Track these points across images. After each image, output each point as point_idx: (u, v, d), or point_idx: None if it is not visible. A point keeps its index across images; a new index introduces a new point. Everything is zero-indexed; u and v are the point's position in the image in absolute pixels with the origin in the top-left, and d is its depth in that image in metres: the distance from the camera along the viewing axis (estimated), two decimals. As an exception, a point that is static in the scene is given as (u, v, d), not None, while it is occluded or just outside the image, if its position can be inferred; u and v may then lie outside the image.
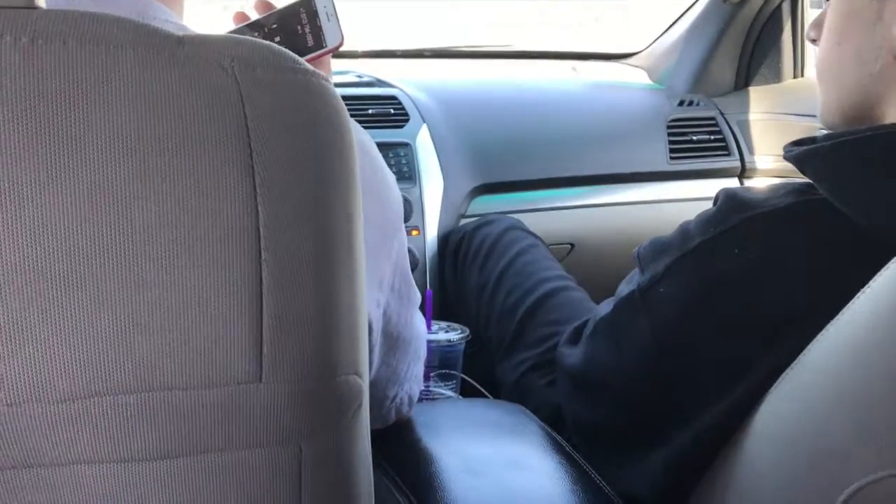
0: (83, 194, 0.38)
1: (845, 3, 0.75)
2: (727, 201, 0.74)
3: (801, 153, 0.72)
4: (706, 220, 0.75)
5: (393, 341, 0.72)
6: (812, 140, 0.73)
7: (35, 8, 0.40)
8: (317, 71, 0.44)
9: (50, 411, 0.39)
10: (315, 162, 0.42)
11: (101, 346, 0.39)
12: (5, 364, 0.38)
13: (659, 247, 0.79)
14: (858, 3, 0.73)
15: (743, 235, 0.72)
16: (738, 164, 1.63)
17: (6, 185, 0.37)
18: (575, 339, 0.91)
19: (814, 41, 0.81)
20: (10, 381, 0.38)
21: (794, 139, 0.76)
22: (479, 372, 1.16)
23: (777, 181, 0.89)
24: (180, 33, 0.41)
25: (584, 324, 0.90)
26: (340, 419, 0.46)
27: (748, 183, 1.63)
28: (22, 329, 0.38)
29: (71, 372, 0.39)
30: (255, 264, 0.40)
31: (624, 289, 0.83)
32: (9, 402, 0.38)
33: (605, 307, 0.86)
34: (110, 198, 0.38)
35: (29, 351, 0.38)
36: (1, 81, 0.37)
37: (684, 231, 0.77)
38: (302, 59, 0.44)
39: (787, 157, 0.74)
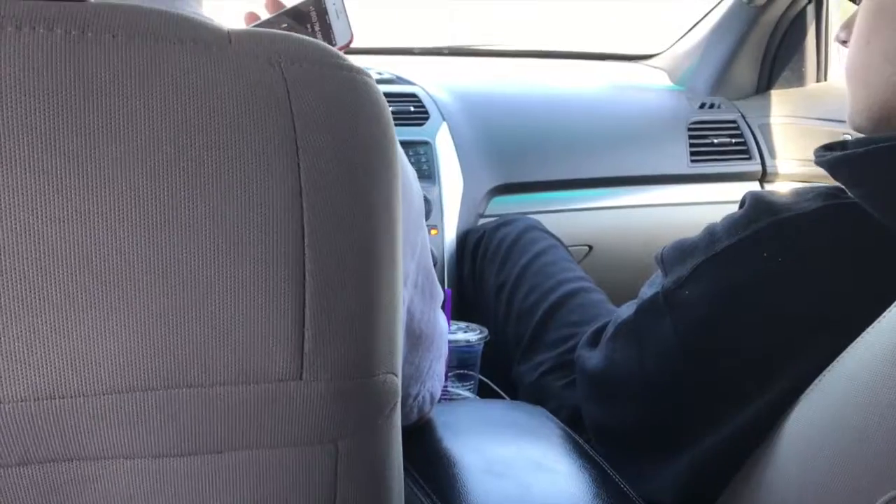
0: (128, 187, 0.38)
1: (875, 1, 0.75)
2: (755, 204, 0.73)
3: (833, 159, 0.71)
4: (734, 223, 0.74)
5: (416, 339, 0.72)
6: (842, 145, 0.73)
7: (83, 0, 0.40)
8: (360, 67, 0.44)
9: (92, 404, 0.39)
10: (360, 158, 0.42)
11: (143, 341, 0.39)
12: (48, 356, 0.38)
13: (684, 249, 0.78)
14: (889, 3, 0.73)
15: (771, 239, 0.71)
16: (759, 168, 1.63)
17: (53, 175, 0.37)
18: (595, 341, 0.91)
19: (844, 43, 0.81)
20: (53, 373, 0.38)
21: (816, 144, 0.76)
22: (496, 372, 1.15)
23: (800, 185, 0.89)
24: (226, 28, 0.41)
25: (604, 326, 0.90)
26: (377, 418, 0.45)
27: (769, 187, 1.62)
28: (64, 322, 0.38)
29: (112, 366, 0.38)
30: (298, 261, 0.40)
31: (647, 291, 0.83)
32: (51, 394, 0.38)
33: (626, 310, 0.85)
34: (156, 191, 0.38)
35: (72, 344, 0.38)
36: (53, 73, 0.37)
37: (711, 233, 0.76)
38: (345, 55, 0.44)
39: (818, 163, 0.74)
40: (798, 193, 0.73)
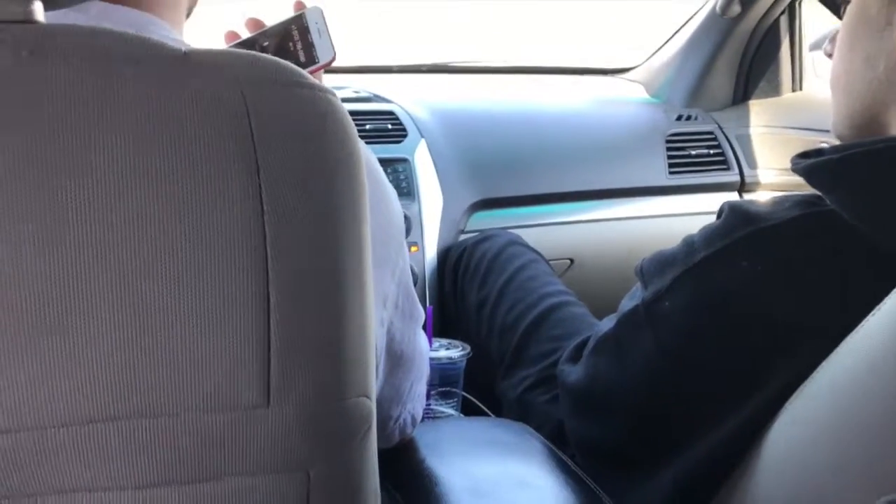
0: (85, 214, 0.37)
1: (857, 9, 0.75)
2: (732, 214, 0.73)
3: (809, 165, 0.71)
4: (711, 233, 0.74)
5: (396, 360, 0.71)
6: (819, 152, 0.73)
7: (34, 22, 0.39)
8: (323, 86, 0.43)
9: (51, 437, 0.38)
10: (323, 178, 0.41)
11: (105, 371, 0.38)
12: (4, 389, 0.36)
13: (663, 261, 0.78)
14: (870, 8, 0.74)
15: (749, 248, 0.71)
16: (737, 178, 1.63)
17: (6, 204, 0.36)
18: (576, 356, 0.90)
19: (830, 55, 0.81)
20: (10, 406, 0.37)
21: (793, 153, 0.76)
22: (478, 388, 1.14)
23: (778, 195, 0.89)
24: (185, 48, 0.40)
25: (585, 341, 0.89)
26: (349, 443, 0.44)
27: (748, 197, 1.63)
28: (22, 353, 0.37)
29: (73, 397, 0.37)
30: (262, 285, 0.39)
31: (627, 304, 0.82)
32: (7, 427, 0.37)
33: (607, 323, 0.85)
34: (114, 218, 0.37)
35: (29, 375, 0.37)
36: (2, 96, 0.36)
37: (689, 244, 0.76)
38: (309, 75, 0.43)
39: (795, 170, 0.74)
40: (775, 203, 0.73)
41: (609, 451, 0.84)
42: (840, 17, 0.81)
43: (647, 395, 0.78)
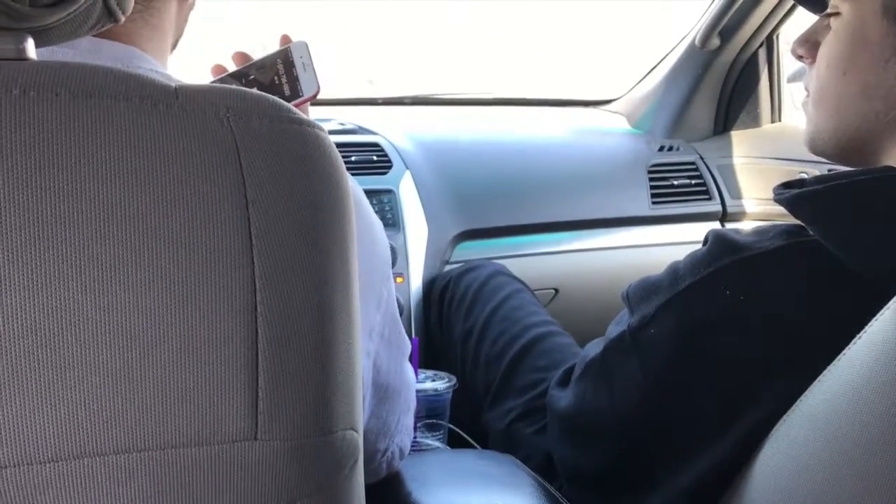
0: (72, 246, 0.37)
1: (856, 31, 0.73)
2: (717, 242, 0.74)
3: (793, 196, 0.72)
4: (696, 261, 0.75)
5: (383, 392, 0.71)
6: (801, 182, 0.74)
7: (25, 59, 0.39)
8: (312, 121, 0.44)
9: (38, 473, 0.37)
10: (311, 212, 0.41)
11: (92, 405, 0.37)
12: None
13: (648, 287, 0.79)
14: (872, 34, 0.72)
15: (733, 277, 0.71)
16: (719, 208, 1.65)
17: (-7, 239, 0.36)
18: (565, 381, 0.90)
19: (800, 58, 0.80)
20: None
21: (773, 183, 0.76)
22: (465, 420, 1.14)
23: (764, 224, 0.89)
24: (174, 84, 0.40)
25: (573, 368, 0.89)
26: (337, 476, 0.44)
27: (730, 226, 1.64)
28: (8, 387, 0.36)
29: (60, 432, 0.37)
30: (250, 317, 0.39)
31: (613, 330, 0.83)
32: (-7, 465, 0.36)
33: (594, 348, 0.85)
34: (101, 251, 0.37)
35: (15, 410, 0.37)
36: None
37: (674, 271, 0.77)
38: (297, 109, 0.44)
39: (777, 200, 0.74)
40: (760, 232, 0.74)
41: (596, 478, 0.84)
42: (817, 13, 0.78)
43: (634, 421, 0.78)
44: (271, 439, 0.40)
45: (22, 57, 0.39)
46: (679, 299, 0.74)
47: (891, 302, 0.54)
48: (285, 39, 0.80)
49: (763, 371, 0.70)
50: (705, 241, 0.76)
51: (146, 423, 0.38)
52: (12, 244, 0.36)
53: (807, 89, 0.81)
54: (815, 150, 0.80)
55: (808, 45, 0.79)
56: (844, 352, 0.57)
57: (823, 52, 0.76)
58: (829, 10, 0.76)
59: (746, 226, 1.60)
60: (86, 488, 0.38)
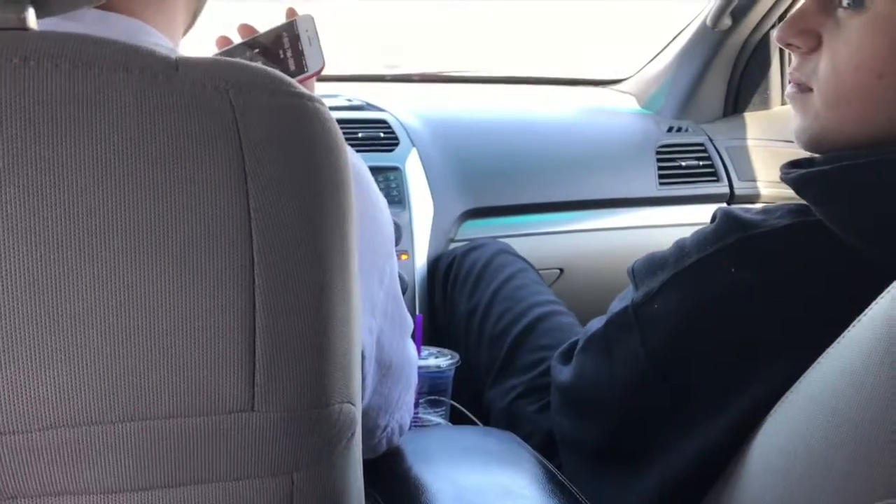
0: (71, 217, 0.37)
1: (890, 30, 0.68)
2: (725, 220, 0.73)
3: (799, 176, 0.71)
4: (703, 238, 0.74)
5: (385, 369, 0.71)
6: (809, 162, 0.73)
7: (27, 29, 0.39)
8: (312, 94, 0.44)
9: (33, 440, 0.38)
10: (310, 185, 0.42)
11: (89, 374, 0.38)
12: None
13: (654, 263, 0.78)
14: None
15: (740, 254, 0.71)
16: (727, 189, 1.64)
17: (-7, 208, 0.36)
18: (568, 355, 0.90)
19: (790, 47, 0.74)
20: None
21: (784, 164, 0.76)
22: (467, 397, 1.15)
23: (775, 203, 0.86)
24: (174, 56, 0.40)
25: (577, 341, 0.90)
26: (333, 449, 0.44)
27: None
28: (7, 355, 0.37)
29: (58, 400, 0.37)
30: (248, 289, 0.39)
31: (617, 305, 0.83)
32: (-7, 431, 0.37)
33: (597, 323, 0.85)
34: (100, 222, 0.37)
35: (14, 378, 0.37)
36: None
37: (680, 248, 0.76)
38: (297, 83, 0.43)
39: (784, 179, 0.74)
40: (768, 210, 0.73)
41: (595, 450, 0.85)
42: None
43: (633, 395, 0.78)
44: (268, 411, 0.41)
45: (23, 26, 0.39)
46: (684, 275, 0.74)
47: (893, 284, 0.54)
48: (291, 13, 0.79)
49: (764, 350, 0.70)
50: (713, 219, 0.76)
51: (143, 393, 0.38)
52: (11, 213, 0.37)
53: (798, 83, 0.76)
54: (818, 149, 0.75)
55: (807, 36, 0.73)
56: (845, 333, 0.57)
57: (841, 49, 0.71)
58: (850, 2, 0.70)
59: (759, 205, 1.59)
60: (82, 457, 0.39)
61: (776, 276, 0.70)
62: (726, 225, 0.73)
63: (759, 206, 0.80)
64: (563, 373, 0.88)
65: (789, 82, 0.78)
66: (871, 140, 0.71)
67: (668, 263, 0.76)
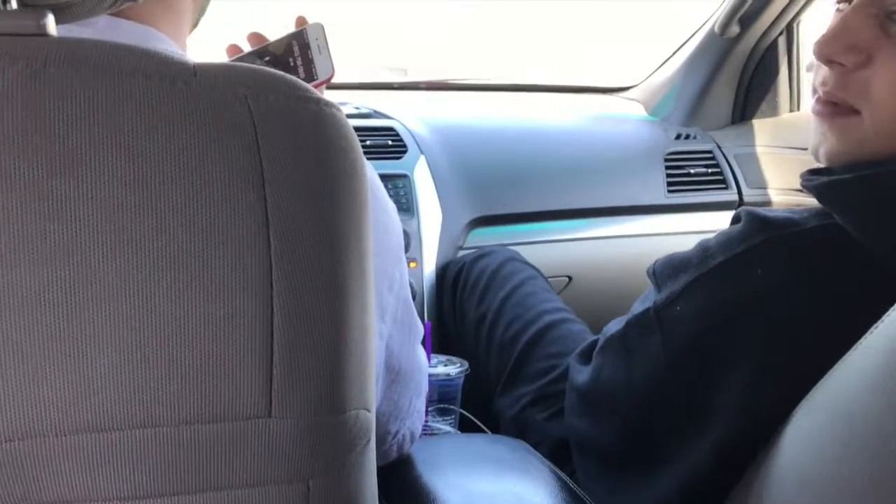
0: (90, 222, 0.37)
1: None
2: (751, 220, 0.72)
3: (822, 184, 0.71)
4: (728, 239, 0.73)
5: (395, 374, 0.71)
6: (829, 170, 0.72)
7: (47, 35, 0.39)
8: (328, 100, 0.44)
9: (52, 446, 0.38)
10: (327, 191, 0.42)
11: (107, 380, 0.38)
12: (6, 396, 0.37)
13: (677, 264, 0.77)
14: None
15: (767, 255, 0.70)
16: (735, 197, 1.64)
17: (12, 210, 0.36)
18: (587, 355, 0.90)
19: (833, 63, 0.71)
20: (10, 414, 0.37)
21: (791, 172, 0.75)
22: (476, 405, 1.14)
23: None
24: (192, 62, 0.41)
25: (596, 342, 0.89)
26: (349, 455, 0.44)
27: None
28: (23, 360, 0.37)
29: (75, 405, 0.37)
30: (266, 295, 0.39)
31: (638, 307, 0.82)
32: (10, 436, 0.37)
33: (616, 325, 0.85)
34: (118, 226, 0.37)
35: (31, 383, 0.37)
36: (13, 107, 0.36)
37: (704, 249, 0.75)
38: (313, 88, 0.44)
39: (806, 187, 0.73)
40: (793, 212, 0.72)
41: (609, 452, 0.84)
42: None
43: (651, 397, 0.77)
44: (285, 417, 0.40)
45: (43, 32, 0.39)
46: (709, 276, 0.73)
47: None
48: (301, 21, 0.80)
49: (789, 351, 0.69)
50: (736, 220, 0.74)
51: (161, 399, 0.38)
52: (33, 218, 0.37)
53: (837, 102, 0.72)
54: (840, 163, 0.72)
55: (857, 53, 0.69)
56: (862, 340, 0.57)
57: (890, 74, 0.67)
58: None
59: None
60: (99, 463, 0.39)
61: (804, 277, 0.69)
62: (752, 225, 0.72)
63: (782, 208, 0.79)
64: (582, 373, 0.87)
65: (818, 100, 0.74)
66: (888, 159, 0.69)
67: (691, 265, 0.75)
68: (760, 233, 0.71)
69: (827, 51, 0.71)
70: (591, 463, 0.85)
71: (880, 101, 0.68)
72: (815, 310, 0.69)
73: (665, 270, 0.78)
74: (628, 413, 0.80)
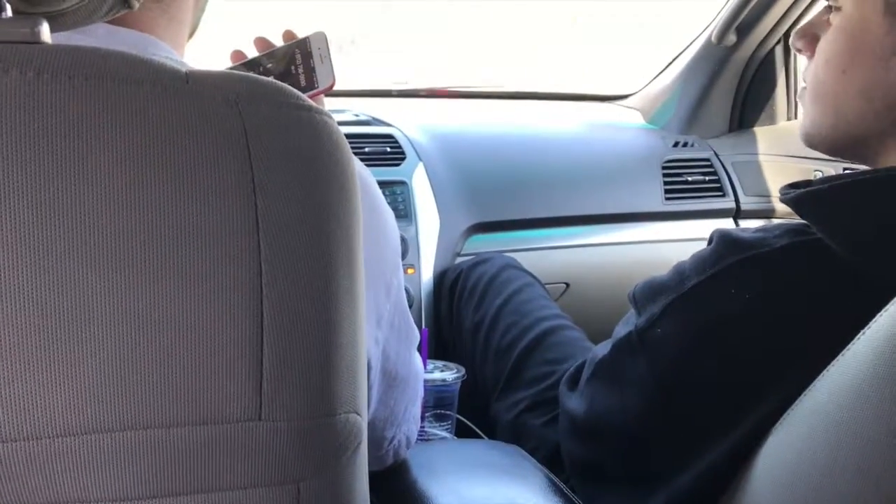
0: (82, 228, 0.38)
1: (856, 28, 0.72)
2: (722, 242, 0.74)
3: (798, 196, 0.72)
4: (701, 261, 0.75)
5: (391, 380, 0.72)
6: (808, 183, 0.74)
7: (40, 43, 0.40)
8: (320, 108, 0.44)
9: (45, 448, 0.38)
10: (317, 196, 0.42)
11: (98, 382, 0.38)
12: None
13: (655, 288, 0.79)
14: (871, 33, 0.71)
15: (738, 276, 0.72)
16: (732, 204, 1.64)
17: (6, 217, 0.37)
18: (575, 379, 0.90)
19: (800, 51, 0.79)
20: (2, 417, 0.37)
21: (788, 180, 0.76)
22: (472, 411, 1.15)
23: (768, 222, 0.88)
24: (185, 69, 0.41)
25: (583, 365, 0.90)
26: (340, 458, 0.45)
27: (743, 223, 1.64)
28: (15, 363, 0.37)
29: (67, 408, 0.38)
30: (256, 299, 0.40)
31: (621, 330, 0.83)
32: (1, 438, 0.37)
33: (602, 349, 0.86)
34: (111, 232, 0.38)
35: (23, 386, 0.37)
36: (6, 114, 0.37)
37: (680, 272, 0.77)
38: (305, 96, 0.44)
39: (783, 200, 0.74)
40: (765, 230, 0.74)
41: (604, 474, 0.84)
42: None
43: (643, 420, 0.78)
44: (275, 420, 0.41)
45: (37, 40, 0.40)
46: (685, 299, 0.74)
47: (893, 300, 0.54)
48: (289, 35, 0.80)
49: (768, 369, 0.70)
50: (710, 241, 0.76)
51: (151, 402, 0.39)
52: (24, 224, 0.37)
53: (804, 81, 0.80)
54: (810, 144, 0.80)
55: (808, 39, 0.77)
56: (848, 348, 0.57)
57: (822, 46, 0.75)
58: (829, 2, 0.74)
59: (759, 223, 1.59)
60: (92, 463, 0.39)
61: (776, 297, 0.70)
62: (724, 247, 0.73)
63: (756, 225, 0.82)
64: (572, 400, 0.88)
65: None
66: (848, 138, 0.75)
67: (668, 288, 0.77)
68: (732, 254, 0.72)
69: (791, 40, 0.82)
70: (584, 481, 0.85)
71: (810, 74, 0.77)
72: (792, 325, 0.70)
73: (644, 294, 0.80)
74: (623, 438, 0.81)
